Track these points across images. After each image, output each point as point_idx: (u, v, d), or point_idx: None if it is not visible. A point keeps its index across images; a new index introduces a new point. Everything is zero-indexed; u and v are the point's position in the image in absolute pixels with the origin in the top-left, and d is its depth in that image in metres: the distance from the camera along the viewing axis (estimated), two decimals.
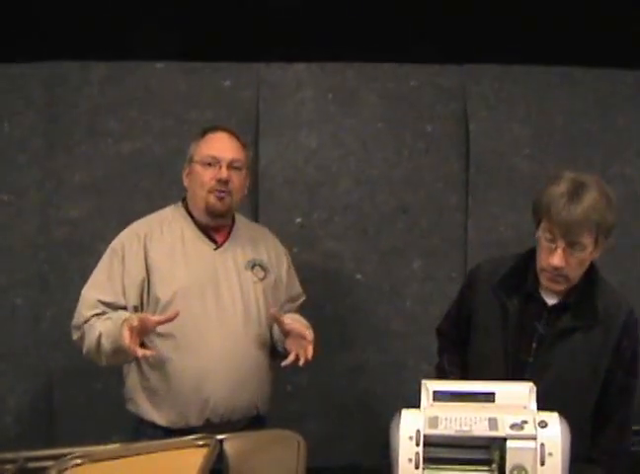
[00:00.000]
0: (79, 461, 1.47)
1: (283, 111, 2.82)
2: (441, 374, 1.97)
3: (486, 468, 1.47)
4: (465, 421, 1.47)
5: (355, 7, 2.72)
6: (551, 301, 1.82)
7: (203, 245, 2.07)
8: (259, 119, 2.81)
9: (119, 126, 2.75)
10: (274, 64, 2.82)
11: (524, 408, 1.53)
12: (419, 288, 2.85)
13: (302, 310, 2.23)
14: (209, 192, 2.02)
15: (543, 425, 1.44)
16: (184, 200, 2.13)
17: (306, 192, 2.83)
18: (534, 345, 1.80)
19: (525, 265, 1.87)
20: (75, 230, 2.73)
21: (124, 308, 1.98)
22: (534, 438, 1.43)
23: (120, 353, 1.87)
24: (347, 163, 2.84)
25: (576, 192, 1.71)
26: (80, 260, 2.61)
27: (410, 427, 1.46)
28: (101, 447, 1.54)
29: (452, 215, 2.86)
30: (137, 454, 1.53)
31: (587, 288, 1.81)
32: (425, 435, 1.45)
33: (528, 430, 1.44)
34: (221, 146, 2.05)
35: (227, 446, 1.58)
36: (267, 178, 2.81)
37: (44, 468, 1.46)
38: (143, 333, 1.84)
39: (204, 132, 2.10)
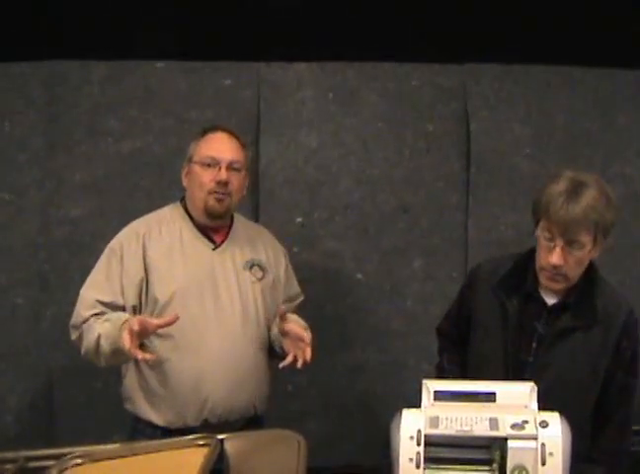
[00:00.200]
0: (79, 461, 1.47)
1: (284, 110, 2.82)
2: (442, 374, 1.98)
3: (487, 468, 1.47)
4: (466, 421, 1.47)
5: (355, 7, 2.72)
6: (551, 301, 1.82)
7: (202, 245, 2.06)
8: (259, 119, 2.81)
9: (119, 126, 2.75)
10: (274, 64, 2.82)
11: (525, 408, 1.53)
12: (419, 288, 2.85)
13: (302, 310, 2.23)
14: (209, 193, 2.01)
15: (544, 425, 1.44)
16: (182, 200, 2.12)
17: (307, 191, 2.82)
18: (534, 344, 1.80)
19: (525, 264, 1.87)
20: (75, 230, 2.72)
21: (123, 308, 1.97)
22: (535, 438, 1.43)
23: (118, 354, 1.86)
24: (347, 162, 2.84)
25: (575, 190, 1.71)
26: (80, 259, 2.61)
27: (411, 426, 1.46)
28: (101, 447, 1.53)
29: (453, 215, 2.86)
30: (138, 454, 1.53)
31: (586, 288, 1.81)
32: (425, 435, 1.45)
33: (529, 429, 1.44)
34: (221, 147, 2.04)
35: (228, 446, 1.58)
36: (267, 177, 2.81)
37: (45, 468, 1.46)
38: (143, 336, 1.83)
39: (204, 132, 2.09)
